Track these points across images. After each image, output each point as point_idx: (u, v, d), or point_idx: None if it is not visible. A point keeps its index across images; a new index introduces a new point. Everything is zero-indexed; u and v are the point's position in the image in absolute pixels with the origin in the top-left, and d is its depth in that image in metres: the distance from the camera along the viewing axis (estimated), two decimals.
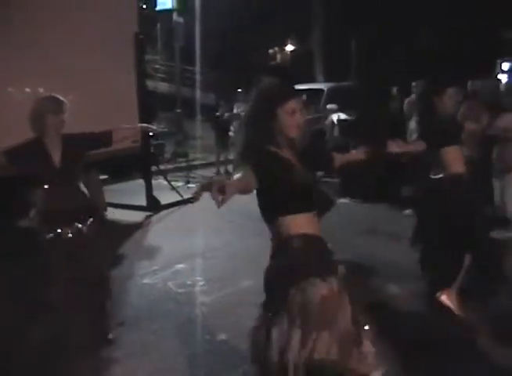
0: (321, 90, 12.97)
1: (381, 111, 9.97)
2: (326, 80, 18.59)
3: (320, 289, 2.11)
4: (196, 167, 12.13)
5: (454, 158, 3.87)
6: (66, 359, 3.34)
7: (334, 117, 9.97)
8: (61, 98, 3.49)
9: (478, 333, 3.68)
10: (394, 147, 3.18)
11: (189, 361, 3.53)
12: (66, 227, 3.43)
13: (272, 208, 2.22)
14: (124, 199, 8.20)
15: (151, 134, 8.08)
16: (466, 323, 3.83)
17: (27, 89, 5.48)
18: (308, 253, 2.17)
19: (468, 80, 8.45)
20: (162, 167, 10.57)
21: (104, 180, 8.00)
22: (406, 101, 9.70)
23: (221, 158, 11.42)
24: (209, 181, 1.74)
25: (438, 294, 4.05)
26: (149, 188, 8.15)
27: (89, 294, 3.51)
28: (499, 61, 13.60)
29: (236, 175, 1.95)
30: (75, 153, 3.52)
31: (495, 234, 4.85)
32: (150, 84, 15.14)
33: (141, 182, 8.30)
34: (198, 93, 17.98)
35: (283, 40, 25.69)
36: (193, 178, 10.65)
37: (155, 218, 7.78)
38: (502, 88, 9.82)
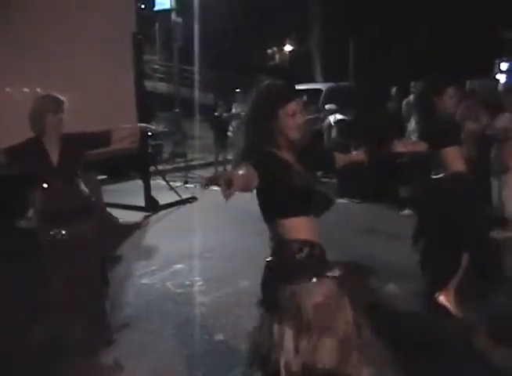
0: (319, 90, 12.98)
1: (380, 111, 9.99)
2: (325, 80, 18.60)
3: (316, 294, 2.11)
4: (194, 167, 12.11)
5: (454, 158, 3.87)
6: (65, 360, 3.33)
7: (331, 118, 9.96)
8: (60, 97, 3.48)
9: (477, 333, 3.68)
10: (400, 147, 3.17)
11: (187, 361, 3.53)
12: (65, 227, 3.42)
13: (271, 209, 2.22)
14: (122, 199, 8.19)
15: (149, 134, 8.08)
16: (465, 323, 3.83)
17: (26, 89, 5.48)
18: (305, 258, 2.16)
19: (467, 80, 8.47)
20: (160, 167, 10.57)
21: (102, 180, 7.99)
22: (404, 101, 9.71)
23: (220, 158, 11.40)
24: (216, 174, 1.75)
25: (436, 295, 4.05)
26: (147, 188, 8.14)
27: (89, 294, 3.51)
28: (497, 61, 13.63)
29: (240, 170, 1.92)
30: (74, 152, 3.52)
31: (493, 234, 4.86)
32: (149, 84, 15.12)
33: (139, 182, 8.30)
34: (197, 93, 17.99)
35: (282, 40, 25.72)
36: (192, 178, 10.64)
37: (153, 218, 7.77)
38: (500, 87, 9.85)
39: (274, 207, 2.21)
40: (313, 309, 2.08)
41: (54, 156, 3.45)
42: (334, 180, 8.53)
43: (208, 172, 11.03)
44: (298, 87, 2.61)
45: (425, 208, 4.29)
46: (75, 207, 3.48)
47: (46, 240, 3.43)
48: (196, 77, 19.09)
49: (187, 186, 10.03)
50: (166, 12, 17.80)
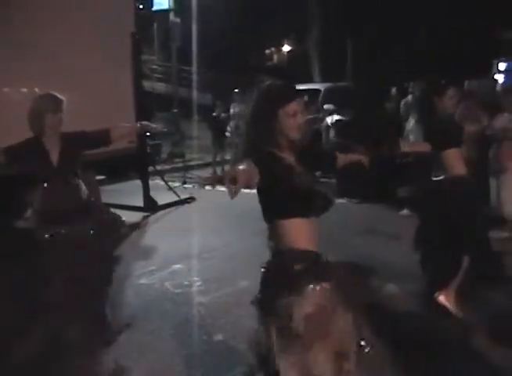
0: (318, 90, 12.99)
1: (378, 112, 9.99)
2: (323, 80, 18.60)
3: (307, 305, 2.07)
4: (192, 167, 12.10)
5: (455, 161, 3.87)
6: (63, 360, 3.32)
7: (329, 119, 9.96)
8: (59, 96, 3.47)
9: (477, 333, 3.68)
10: (406, 147, 3.18)
11: (186, 361, 3.52)
12: (64, 226, 3.41)
13: (271, 208, 2.21)
14: (121, 199, 8.17)
15: (148, 134, 8.07)
16: (465, 323, 3.83)
17: (26, 89, 5.48)
18: (302, 270, 2.13)
19: (465, 80, 8.47)
20: (159, 167, 10.56)
21: (101, 181, 7.98)
22: (403, 102, 9.73)
23: (218, 158, 11.41)
24: (218, 174, 1.74)
25: (436, 295, 4.05)
26: (146, 188, 8.13)
27: (88, 294, 3.50)
28: (495, 61, 13.64)
29: (241, 166, 1.90)
30: (74, 152, 3.50)
31: (492, 234, 4.86)
32: (147, 84, 15.12)
33: (138, 182, 8.29)
34: (195, 93, 17.98)
35: (280, 40, 25.72)
36: (190, 178, 10.62)
37: (152, 218, 7.76)
38: (498, 88, 9.85)
39: (274, 207, 2.20)
40: (304, 320, 2.04)
41: (54, 155, 3.43)
42: (334, 180, 8.53)
43: (206, 173, 11.04)
44: (297, 87, 2.60)
45: (425, 209, 4.29)
46: (75, 207, 3.46)
47: (45, 240, 3.42)
48: (194, 77, 19.09)
49: (185, 186, 10.03)
50: (164, 13, 17.80)
